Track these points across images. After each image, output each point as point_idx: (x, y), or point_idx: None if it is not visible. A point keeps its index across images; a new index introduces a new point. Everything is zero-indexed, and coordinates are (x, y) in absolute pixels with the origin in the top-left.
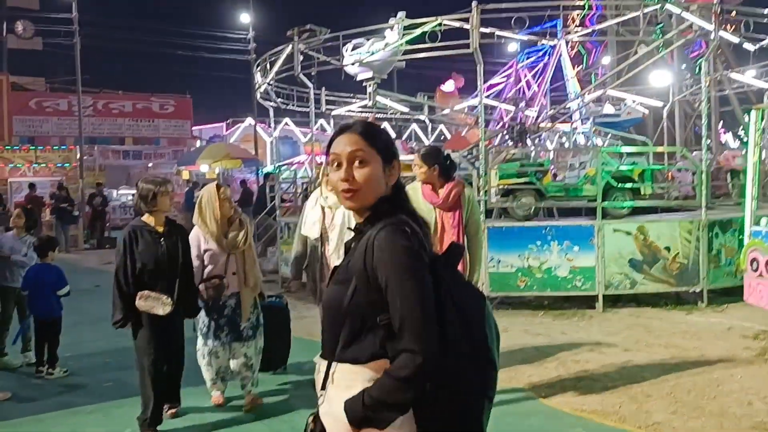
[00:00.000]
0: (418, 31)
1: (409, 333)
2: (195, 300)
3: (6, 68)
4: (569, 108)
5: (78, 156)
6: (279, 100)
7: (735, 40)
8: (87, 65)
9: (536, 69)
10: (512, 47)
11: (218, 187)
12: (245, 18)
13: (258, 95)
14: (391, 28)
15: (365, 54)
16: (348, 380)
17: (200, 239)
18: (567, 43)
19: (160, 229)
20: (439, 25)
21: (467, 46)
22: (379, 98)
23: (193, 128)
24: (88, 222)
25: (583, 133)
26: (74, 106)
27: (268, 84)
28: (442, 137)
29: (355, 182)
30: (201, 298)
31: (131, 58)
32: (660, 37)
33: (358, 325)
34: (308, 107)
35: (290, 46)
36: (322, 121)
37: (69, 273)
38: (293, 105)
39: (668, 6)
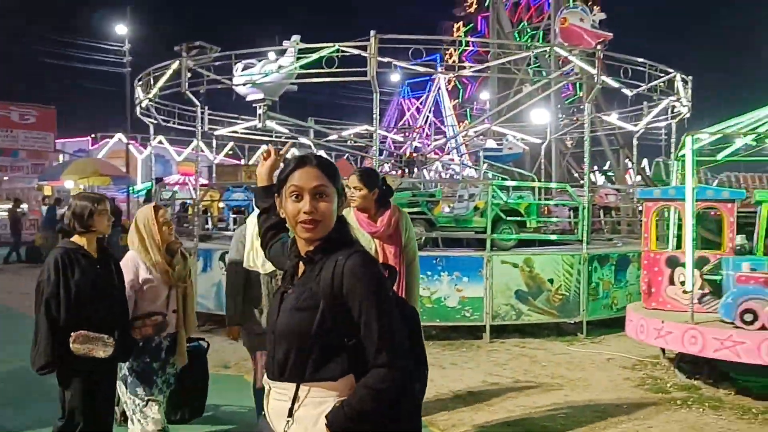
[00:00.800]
0: (314, 56)
1: (387, 350)
2: (132, 339)
3: None
4: (456, 140)
5: None
6: (160, 117)
7: (615, 85)
8: None
9: (420, 100)
10: (395, 78)
11: (156, 208)
12: (121, 29)
13: (138, 110)
14: (285, 51)
15: (257, 75)
16: (319, 398)
17: (138, 267)
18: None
19: (95, 254)
20: (337, 51)
21: (364, 73)
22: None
23: (57, 141)
24: None
25: (465, 165)
26: None
27: (150, 100)
28: None
29: (318, 214)
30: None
31: None
32: (542, 78)
33: (326, 347)
34: (190, 125)
35: (178, 61)
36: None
37: None
38: (174, 122)
39: (556, 49)
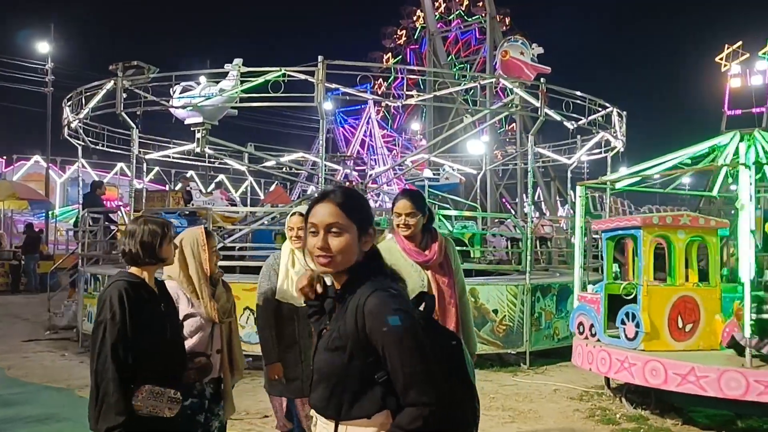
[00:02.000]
0: (260, 80)
1: (415, 388)
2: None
3: None
4: (395, 169)
5: None
6: (89, 139)
7: (558, 118)
8: None
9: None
10: (327, 106)
11: (207, 233)
12: (43, 47)
13: (65, 132)
14: (227, 74)
15: (197, 98)
16: None
17: (179, 300)
18: (374, 106)
19: (155, 289)
20: (283, 75)
21: (309, 99)
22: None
23: None
24: None
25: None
26: None
27: (80, 121)
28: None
29: (330, 250)
30: None
31: None
32: (483, 109)
33: (358, 385)
34: (120, 148)
35: (113, 81)
36: (122, 164)
37: None
38: (104, 145)
39: (502, 81)
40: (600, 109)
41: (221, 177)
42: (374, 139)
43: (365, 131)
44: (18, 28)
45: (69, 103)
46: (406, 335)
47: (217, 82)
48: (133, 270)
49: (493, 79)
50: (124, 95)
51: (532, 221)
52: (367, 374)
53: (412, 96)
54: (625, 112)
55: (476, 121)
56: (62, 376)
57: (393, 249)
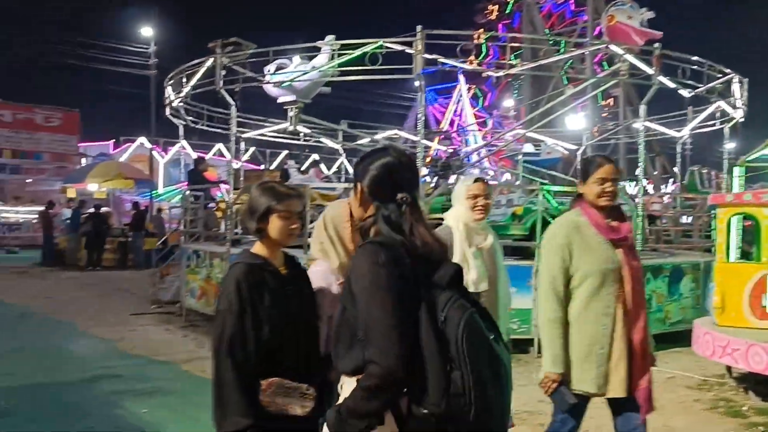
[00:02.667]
0: (357, 52)
1: (372, 344)
2: (329, 387)
3: None
4: (490, 146)
5: None
6: (189, 118)
7: (672, 85)
8: None
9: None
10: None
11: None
12: (146, 31)
13: (167, 111)
14: (320, 50)
15: (295, 73)
16: (347, 390)
17: (332, 285)
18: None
19: (283, 270)
20: (380, 47)
21: (407, 71)
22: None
23: (79, 145)
24: None
25: (504, 170)
26: None
27: (182, 100)
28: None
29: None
30: None
31: (15, 63)
32: (584, 77)
33: (348, 339)
34: (219, 127)
35: (212, 59)
36: (219, 145)
37: None
38: (203, 124)
39: (611, 47)
40: (719, 75)
41: (314, 156)
42: (465, 117)
43: (455, 110)
44: (121, 13)
45: (170, 82)
46: (374, 288)
47: (311, 59)
48: (257, 248)
49: (603, 45)
50: (223, 72)
51: (642, 197)
52: (354, 329)
53: (514, 65)
54: (747, 79)
55: (575, 95)
56: (167, 350)
57: (581, 224)
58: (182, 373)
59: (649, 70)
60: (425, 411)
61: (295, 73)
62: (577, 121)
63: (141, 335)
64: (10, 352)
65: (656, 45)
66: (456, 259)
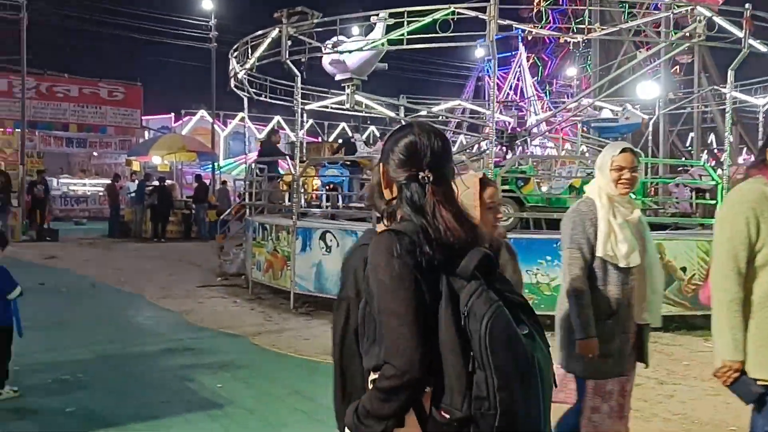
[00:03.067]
0: (427, 19)
1: (386, 343)
2: None
3: None
4: (557, 115)
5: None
6: (253, 90)
7: (763, 49)
8: (28, 44)
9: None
10: (479, 53)
11: (483, 182)
12: (207, 4)
13: (231, 83)
14: (374, 25)
15: (356, 46)
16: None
17: None
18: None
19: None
20: (452, 13)
21: (474, 38)
22: (358, 98)
23: (142, 118)
24: (26, 212)
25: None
26: (15, 87)
27: (247, 71)
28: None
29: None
30: None
31: (78, 38)
32: (657, 41)
33: (372, 334)
34: (281, 99)
35: (277, 29)
36: (278, 117)
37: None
38: (266, 96)
39: (699, 9)
40: None
41: (372, 128)
42: (525, 87)
43: (513, 81)
44: None
45: (235, 54)
46: (386, 279)
47: (367, 35)
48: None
49: (686, 8)
50: (289, 43)
51: (728, 168)
52: (375, 324)
53: (593, 29)
54: None
55: (646, 60)
56: (235, 323)
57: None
58: (252, 346)
59: (738, 33)
60: (447, 416)
61: (361, 43)
62: (650, 88)
63: (208, 308)
64: (83, 323)
65: (747, 5)
66: (601, 234)
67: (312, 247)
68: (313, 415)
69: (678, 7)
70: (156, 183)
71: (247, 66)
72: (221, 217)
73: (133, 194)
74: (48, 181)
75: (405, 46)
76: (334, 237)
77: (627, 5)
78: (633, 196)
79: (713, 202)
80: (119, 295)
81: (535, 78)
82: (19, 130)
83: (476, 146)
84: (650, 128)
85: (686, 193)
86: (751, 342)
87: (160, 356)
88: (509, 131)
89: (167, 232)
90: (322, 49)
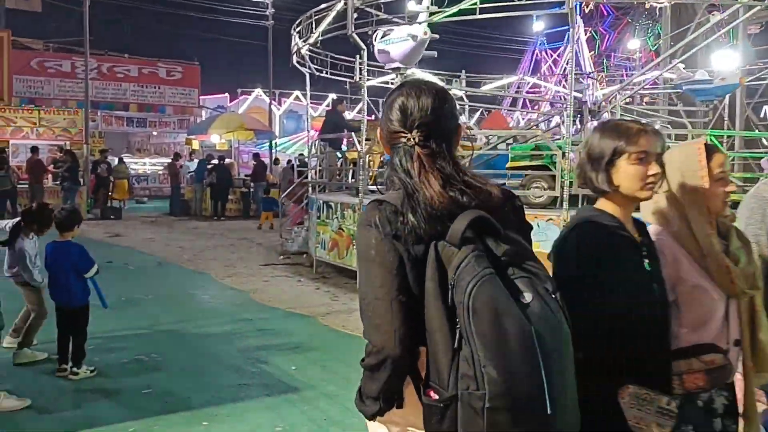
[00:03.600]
0: None
1: (364, 319)
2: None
3: (4, 26)
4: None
5: (83, 120)
6: (314, 66)
7: None
8: (89, 25)
9: (557, 52)
10: (537, 27)
11: (709, 148)
12: None
13: (294, 59)
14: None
15: (392, 41)
16: None
17: (680, 262)
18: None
19: (636, 235)
20: None
21: (555, 5)
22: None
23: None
24: (91, 190)
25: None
26: (77, 67)
27: (311, 47)
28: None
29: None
30: None
31: (136, 18)
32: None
33: None
34: (342, 75)
35: (342, 1)
36: (332, 95)
37: None
38: (327, 72)
39: None
40: None
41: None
42: (584, 61)
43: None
44: None
45: (298, 29)
46: (363, 253)
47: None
48: (603, 204)
49: None
50: (355, 15)
51: None
52: None
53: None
54: None
55: (718, 25)
56: (303, 303)
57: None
58: (322, 327)
59: None
60: (436, 396)
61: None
62: (728, 57)
63: (274, 286)
64: (152, 302)
65: None
66: None
67: None
68: None
69: None
70: (216, 162)
71: (311, 41)
72: (281, 197)
73: (193, 173)
74: (111, 161)
75: (477, 16)
76: None
77: None
78: None
79: None
80: (185, 273)
81: (592, 52)
82: (83, 110)
83: (544, 122)
84: (726, 101)
85: None
86: None
87: (231, 337)
88: (577, 105)
89: (227, 211)
90: (373, 39)
